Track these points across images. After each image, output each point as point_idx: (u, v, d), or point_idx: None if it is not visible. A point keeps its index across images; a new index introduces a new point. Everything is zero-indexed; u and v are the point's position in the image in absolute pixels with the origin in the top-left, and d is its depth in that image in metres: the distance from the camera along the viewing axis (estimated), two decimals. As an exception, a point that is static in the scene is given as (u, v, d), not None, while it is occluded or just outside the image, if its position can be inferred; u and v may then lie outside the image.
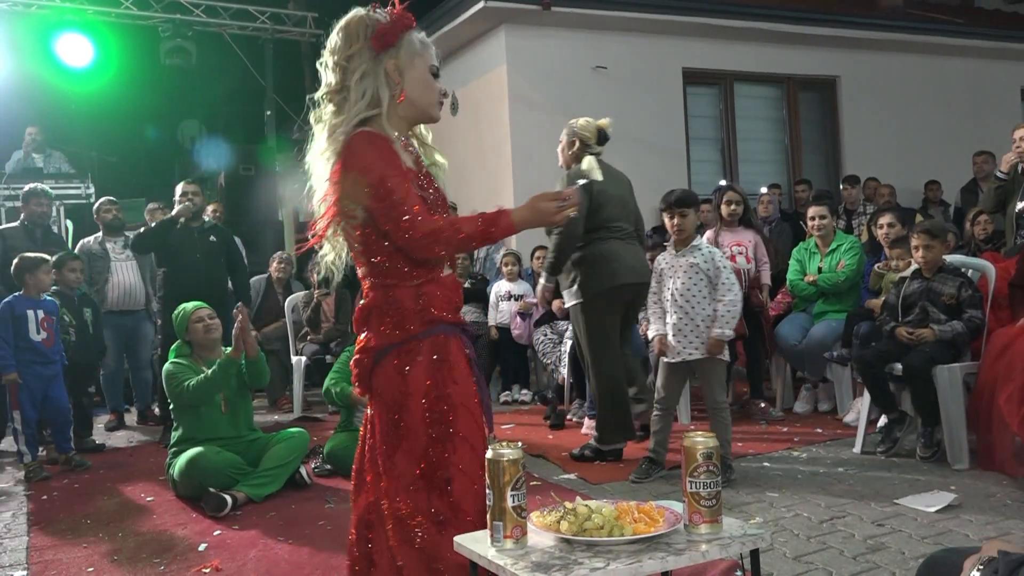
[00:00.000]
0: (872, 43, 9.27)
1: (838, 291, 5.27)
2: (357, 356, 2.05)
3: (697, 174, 8.74)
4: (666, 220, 3.97)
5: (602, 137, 4.46)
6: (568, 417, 5.65)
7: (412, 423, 1.97)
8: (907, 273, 4.47)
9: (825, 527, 3.16)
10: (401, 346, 1.99)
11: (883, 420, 4.44)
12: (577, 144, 4.44)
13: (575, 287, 4.37)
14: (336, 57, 2.01)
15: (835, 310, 5.26)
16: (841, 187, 8.29)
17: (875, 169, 8.63)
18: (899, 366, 4.14)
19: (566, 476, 4.17)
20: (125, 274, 6.33)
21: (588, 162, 4.34)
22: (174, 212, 5.60)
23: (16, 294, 4.88)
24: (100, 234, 6.44)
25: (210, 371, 4.10)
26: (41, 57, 9.13)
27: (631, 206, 4.57)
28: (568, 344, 6.06)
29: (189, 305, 4.39)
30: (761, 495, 3.64)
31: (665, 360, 3.99)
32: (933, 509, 3.28)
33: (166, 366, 4.29)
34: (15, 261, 4.96)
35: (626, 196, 4.54)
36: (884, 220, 5.29)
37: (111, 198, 6.62)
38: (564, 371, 6.08)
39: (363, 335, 2.04)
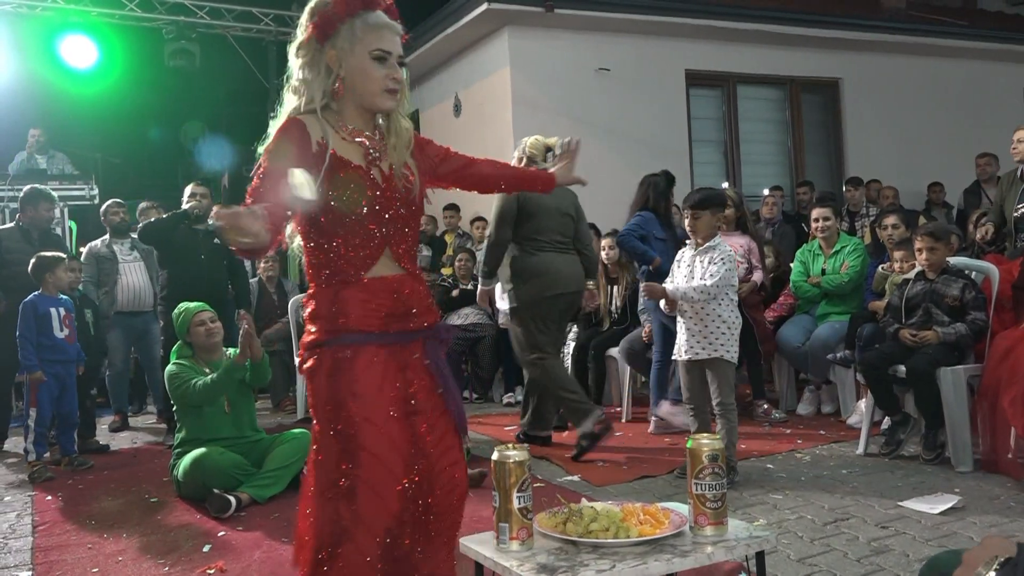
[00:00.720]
0: (875, 45, 9.28)
1: (841, 293, 5.27)
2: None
3: (700, 176, 8.73)
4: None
5: (550, 154, 4.66)
6: (571, 419, 5.64)
7: (321, 433, 1.90)
8: (910, 275, 4.47)
9: (829, 529, 3.16)
10: (311, 352, 1.91)
11: (887, 422, 4.44)
12: (525, 161, 4.58)
13: (508, 294, 4.70)
14: (294, 48, 1.94)
15: (838, 312, 5.26)
16: (844, 189, 8.29)
17: (878, 171, 8.63)
18: (902, 368, 4.14)
19: (569, 478, 4.17)
20: (133, 276, 6.35)
21: None
22: (186, 206, 5.61)
23: (37, 292, 4.91)
24: (107, 236, 6.46)
25: (216, 375, 4.11)
26: (45, 58, 9.15)
27: (571, 217, 4.76)
28: (571, 346, 6.07)
29: (192, 306, 4.38)
30: (765, 497, 3.64)
31: (677, 359, 4.03)
32: (937, 511, 3.28)
33: (168, 367, 4.30)
34: (33, 260, 4.98)
35: (565, 208, 4.71)
36: (888, 222, 5.30)
37: (118, 200, 6.63)
38: (567, 373, 6.09)
39: None
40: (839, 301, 5.31)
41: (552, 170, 2.38)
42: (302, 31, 1.93)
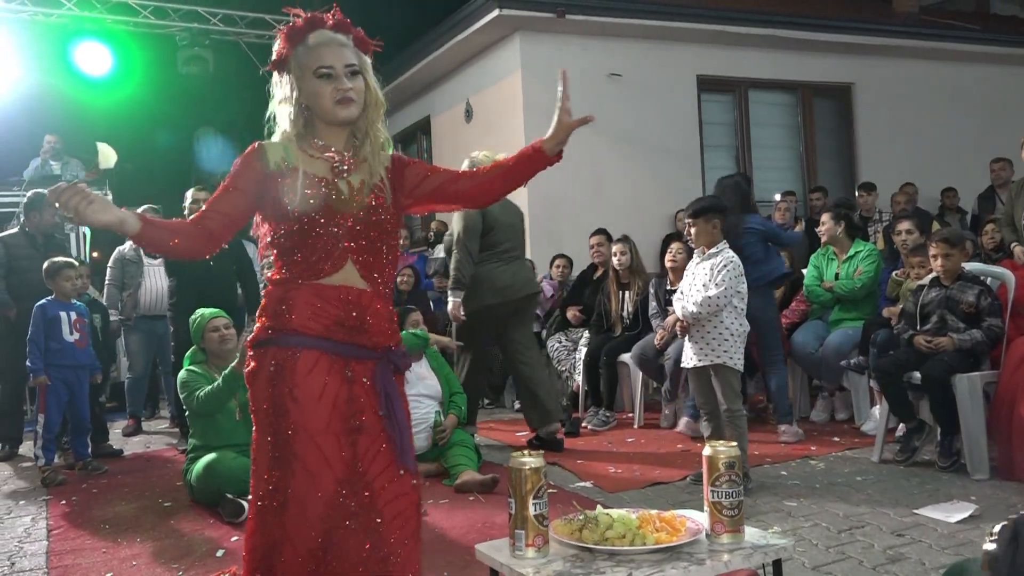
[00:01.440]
0: (887, 50, 9.24)
1: (855, 298, 5.24)
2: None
3: (711, 181, 8.68)
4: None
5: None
6: (583, 425, 5.64)
7: (259, 436, 1.89)
8: (925, 281, 4.44)
9: (844, 537, 3.14)
10: (255, 348, 1.92)
11: (901, 429, 4.41)
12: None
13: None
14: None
15: (851, 318, 5.23)
16: (856, 194, 8.25)
17: (890, 176, 8.58)
18: (917, 375, 4.11)
19: (581, 484, 4.17)
20: (157, 279, 6.38)
21: None
22: (187, 212, 5.61)
23: (49, 298, 4.95)
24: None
25: (217, 383, 4.12)
26: (60, 65, 9.23)
27: (520, 228, 5.22)
28: (582, 352, 6.06)
29: (207, 312, 4.41)
30: (779, 504, 3.62)
31: (684, 367, 4.07)
32: (953, 519, 3.25)
33: (180, 373, 4.32)
34: (45, 265, 5.02)
35: (516, 220, 5.18)
36: (902, 227, 5.27)
37: (151, 205, 6.64)
38: (579, 378, 6.08)
39: None
40: (852, 307, 5.28)
41: (546, 138, 2.11)
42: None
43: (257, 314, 1.97)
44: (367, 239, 1.95)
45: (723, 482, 1.69)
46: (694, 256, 4.07)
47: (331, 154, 1.97)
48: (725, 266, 3.83)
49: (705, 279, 3.87)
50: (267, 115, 2.04)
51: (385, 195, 2.00)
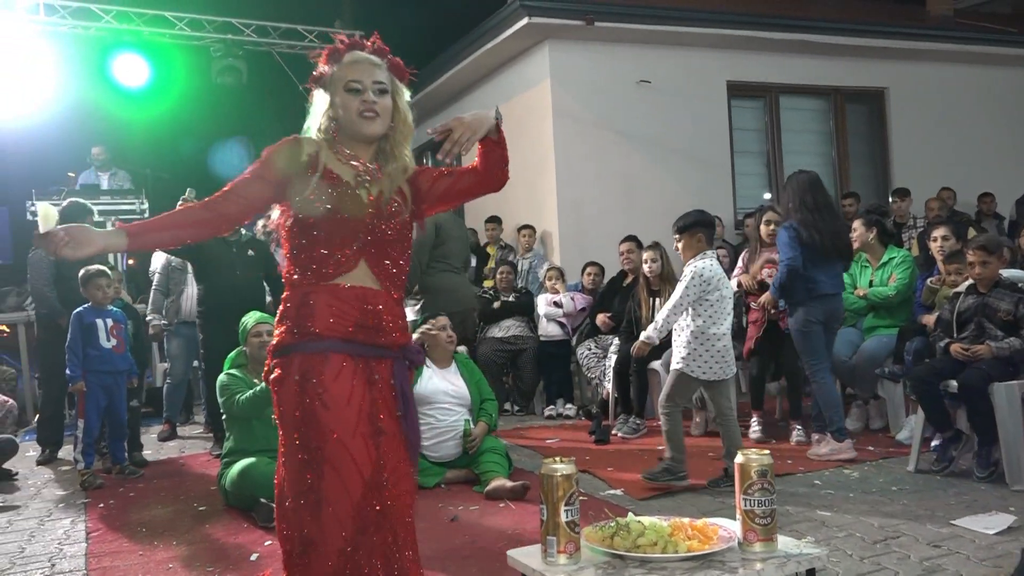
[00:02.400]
0: (921, 54, 9.13)
1: (889, 305, 5.18)
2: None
3: (742, 187, 8.67)
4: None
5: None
6: (614, 432, 5.62)
7: (287, 441, 1.96)
8: (962, 288, 4.38)
9: (879, 548, 3.10)
10: (280, 356, 1.98)
11: (937, 438, 4.34)
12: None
13: (419, 307, 5.48)
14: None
15: (885, 325, 5.17)
16: (890, 200, 8.15)
17: (925, 182, 8.48)
18: (954, 383, 4.05)
19: (612, 492, 4.16)
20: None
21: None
22: None
23: (86, 305, 5.04)
24: None
25: (258, 387, 4.17)
26: (99, 78, 9.42)
27: (468, 245, 5.87)
28: (612, 359, 6.05)
29: (255, 316, 4.48)
30: (811, 514, 3.59)
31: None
32: (992, 531, 3.19)
33: (220, 377, 4.38)
34: (80, 273, 5.12)
35: (465, 237, 5.85)
36: (938, 233, 5.20)
37: (191, 190, 6.68)
38: (609, 386, 6.06)
39: None
40: (886, 314, 5.21)
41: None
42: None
43: (277, 319, 2.02)
44: (380, 244, 2.03)
45: (755, 490, 1.68)
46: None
47: (357, 163, 2.07)
48: (686, 283, 4.08)
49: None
50: (304, 128, 2.14)
51: (404, 203, 2.10)
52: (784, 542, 1.74)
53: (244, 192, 2.01)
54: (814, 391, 4.69)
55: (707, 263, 4.10)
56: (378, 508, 1.92)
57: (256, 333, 4.38)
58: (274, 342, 2.00)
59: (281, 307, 2.02)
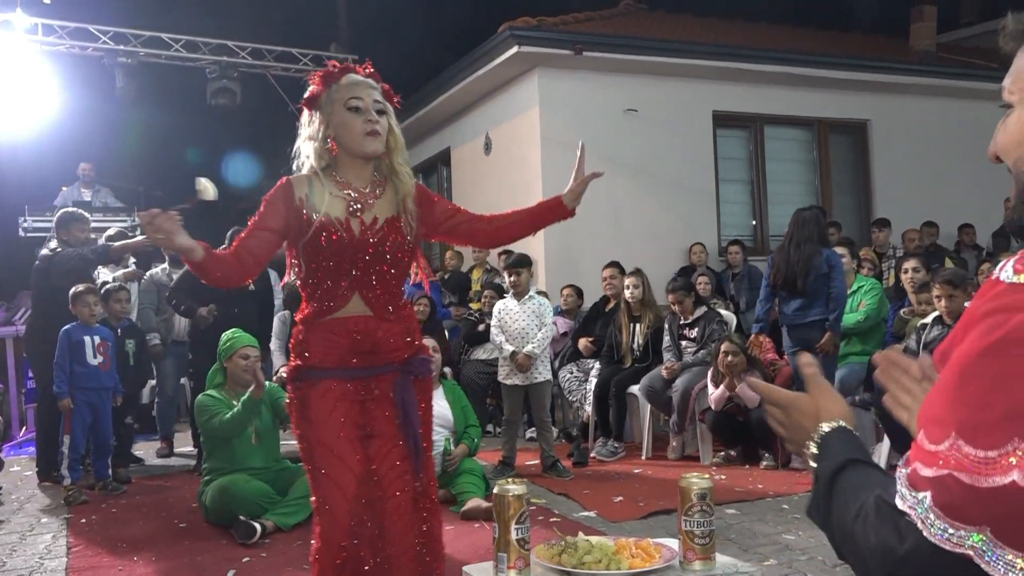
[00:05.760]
0: (904, 87, 9.31)
1: (859, 330, 5.30)
2: None
3: (726, 215, 8.81)
4: (505, 276, 5.30)
5: None
6: (592, 455, 5.70)
7: (304, 459, 2.18)
8: (928, 320, 4.50)
9: (839, 571, 3.19)
10: (289, 384, 2.21)
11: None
12: None
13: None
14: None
15: (857, 353, 5.29)
16: (871, 231, 8.29)
17: (906, 213, 8.63)
18: (919, 412, 4.15)
19: (585, 513, 4.24)
20: None
21: None
22: None
23: (74, 323, 5.12)
24: (166, 265, 6.57)
25: (236, 409, 4.23)
26: (95, 96, 9.55)
27: None
28: (593, 382, 6.14)
29: (244, 337, 4.50)
30: (778, 537, 3.68)
31: (504, 384, 5.25)
32: (947, 556, 3.28)
33: (198, 397, 4.45)
34: (71, 291, 5.19)
35: None
36: (908, 265, 5.34)
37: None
38: (589, 409, 6.15)
39: None
40: (858, 342, 5.33)
41: (565, 192, 2.43)
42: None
43: (291, 352, 2.23)
44: (376, 272, 2.15)
45: (695, 512, 1.78)
46: (510, 298, 5.33)
47: (349, 191, 2.15)
48: (547, 311, 5.16)
49: (530, 321, 5.16)
50: (293, 150, 2.23)
51: (404, 226, 2.18)
52: (723, 561, 1.83)
53: (252, 248, 2.10)
54: None
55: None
56: (363, 501, 2.08)
57: (243, 355, 4.40)
58: (286, 374, 2.22)
59: (292, 340, 2.24)
